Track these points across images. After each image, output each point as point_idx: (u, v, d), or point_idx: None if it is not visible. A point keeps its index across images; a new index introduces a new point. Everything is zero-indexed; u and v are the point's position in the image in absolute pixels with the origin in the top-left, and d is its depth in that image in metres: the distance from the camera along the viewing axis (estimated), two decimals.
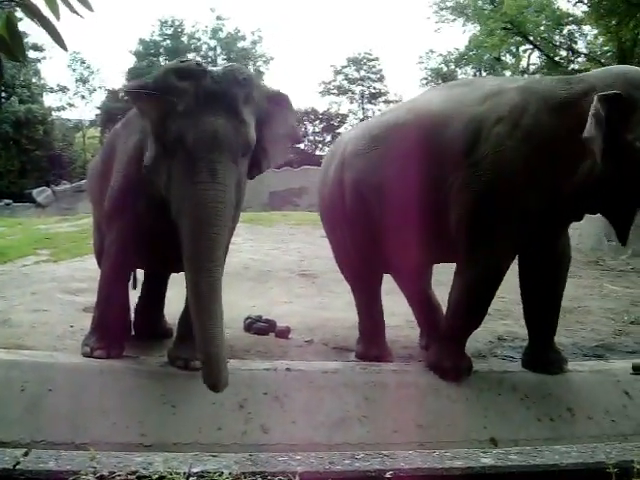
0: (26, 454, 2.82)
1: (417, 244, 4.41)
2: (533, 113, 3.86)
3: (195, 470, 2.65)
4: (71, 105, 38.45)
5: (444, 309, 4.46)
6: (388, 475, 2.68)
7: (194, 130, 3.42)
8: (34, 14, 2.21)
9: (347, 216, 4.74)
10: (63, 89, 38.25)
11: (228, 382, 3.31)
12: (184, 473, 2.59)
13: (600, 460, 3.03)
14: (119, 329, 4.26)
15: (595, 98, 3.56)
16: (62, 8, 2.20)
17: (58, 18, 2.22)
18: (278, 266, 8.86)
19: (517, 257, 4.24)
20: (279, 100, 4.07)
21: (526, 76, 24.58)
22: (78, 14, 2.23)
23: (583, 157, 3.66)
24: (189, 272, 3.41)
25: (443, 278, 4.92)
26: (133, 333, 4.92)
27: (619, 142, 3.58)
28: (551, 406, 4.01)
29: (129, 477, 2.53)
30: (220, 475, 2.59)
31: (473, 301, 4.12)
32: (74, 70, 38.20)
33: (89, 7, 2.24)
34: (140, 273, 5.03)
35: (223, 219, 3.42)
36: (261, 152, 3.88)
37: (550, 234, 4.15)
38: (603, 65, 21.07)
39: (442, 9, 26.80)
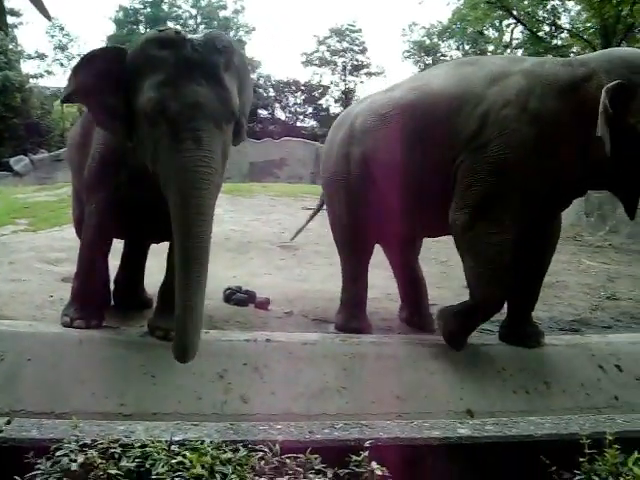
0: (8, 422, 2.82)
1: (418, 220, 4.61)
2: (539, 97, 3.92)
3: (177, 438, 2.67)
4: (49, 72, 37.73)
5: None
6: (367, 444, 2.71)
7: (176, 99, 3.37)
8: None
9: (349, 187, 4.81)
10: (41, 56, 37.48)
11: (195, 354, 3.31)
12: (166, 441, 2.61)
13: (574, 431, 3.09)
14: (99, 299, 4.27)
15: (603, 93, 3.63)
16: None
17: None
18: (258, 237, 8.87)
19: None
20: (247, 67, 4.07)
21: (515, 52, 24.55)
22: None
23: (586, 140, 3.74)
24: (178, 238, 3.35)
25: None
26: (113, 303, 4.92)
27: (622, 126, 3.65)
28: (527, 379, 4.07)
29: (111, 445, 2.54)
30: (202, 443, 2.61)
31: (490, 273, 4.04)
32: (52, 37, 37.52)
33: None
34: (120, 243, 5.02)
35: (210, 184, 3.37)
36: (242, 119, 3.85)
37: (550, 212, 4.25)
38: (586, 41, 21.15)
39: None
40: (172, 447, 2.57)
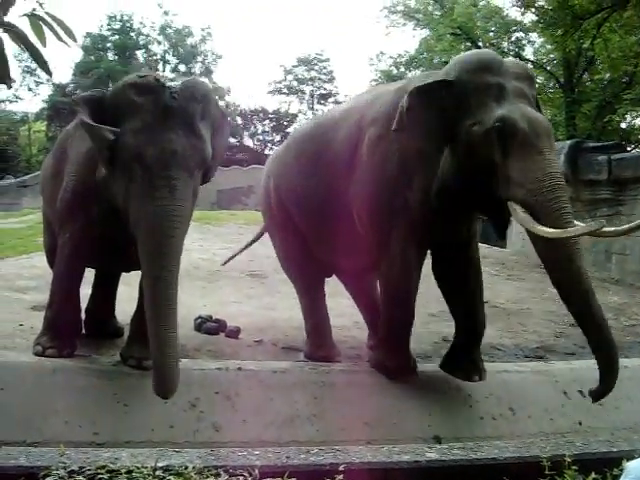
0: None
1: (335, 246, 4.62)
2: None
3: (161, 464, 2.71)
4: (17, 97, 37.48)
5: None
6: (341, 468, 2.78)
7: (152, 147, 3.47)
8: (21, 40, 2.25)
9: (277, 222, 5.03)
10: None
11: (176, 388, 3.37)
12: (151, 467, 2.65)
13: (535, 454, 3.18)
14: (71, 329, 4.27)
15: (406, 94, 3.64)
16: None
17: (44, 45, 2.28)
18: (228, 266, 8.85)
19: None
20: (224, 112, 4.18)
21: None
22: (64, 42, 2.29)
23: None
24: (147, 281, 3.47)
25: None
26: (84, 332, 4.92)
27: (460, 130, 3.57)
28: (493, 405, 4.16)
29: (99, 471, 2.59)
30: (185, 469, 2.66)
31: (391, 297, 4.17)
32: (20, 61, 37.26)
33: (73, 37, 2.31)
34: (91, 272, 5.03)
35: (180, 231, 3.49)
36: (212, 161, 3.93)
37: (448, 235, 4.06)
38: (549, 72, 21.60)
39: (393, 13, 26.99)
40: (157, 472, 2.62)
